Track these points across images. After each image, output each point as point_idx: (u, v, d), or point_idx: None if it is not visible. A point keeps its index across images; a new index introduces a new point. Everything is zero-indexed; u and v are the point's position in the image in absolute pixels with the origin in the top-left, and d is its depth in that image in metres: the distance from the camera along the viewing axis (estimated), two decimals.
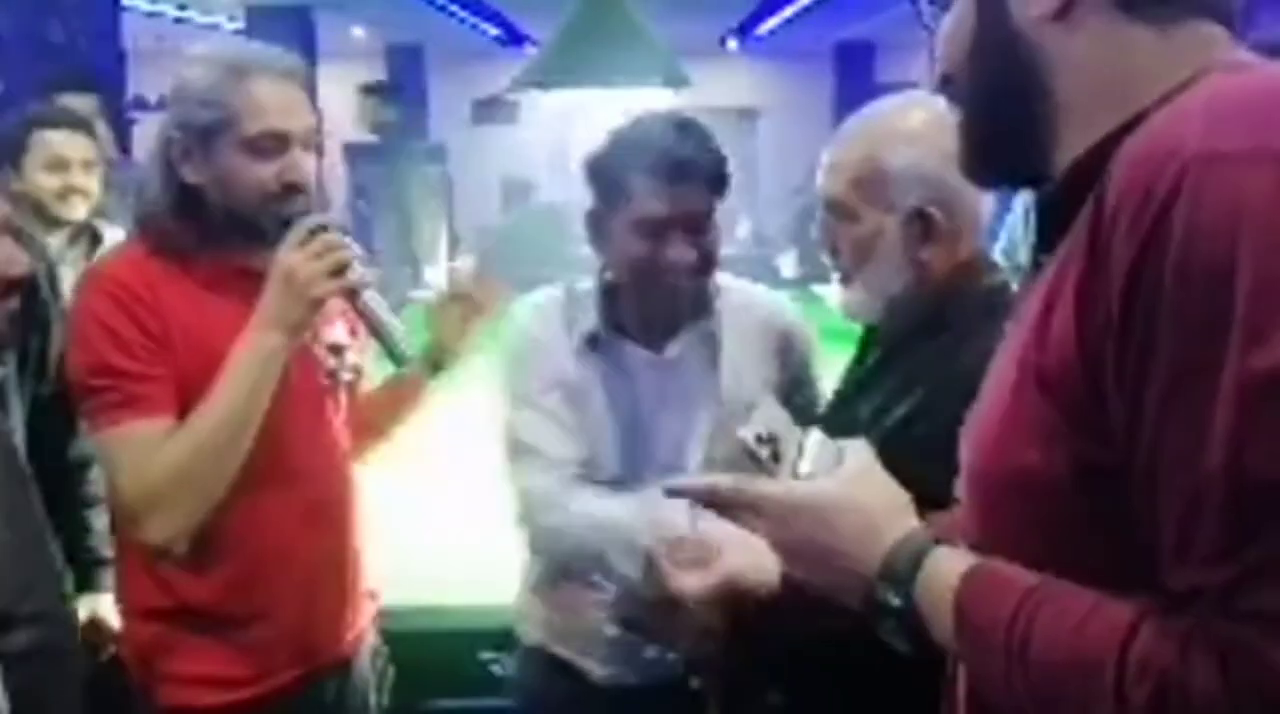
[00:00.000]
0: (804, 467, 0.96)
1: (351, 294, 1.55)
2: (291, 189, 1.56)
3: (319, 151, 1.64)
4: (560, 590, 1.76)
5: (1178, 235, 0.69)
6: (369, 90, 6.20)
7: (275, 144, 1.56)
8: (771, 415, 1.05)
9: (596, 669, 1.73)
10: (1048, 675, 0.76)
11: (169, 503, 1.52)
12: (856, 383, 1.53)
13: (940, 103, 1.36)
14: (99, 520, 2.10)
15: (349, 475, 1.77)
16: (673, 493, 1.01)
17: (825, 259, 1.50)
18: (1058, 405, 0.77)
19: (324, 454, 1.72)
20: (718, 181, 1.63)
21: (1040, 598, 0.77)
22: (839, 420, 1.44)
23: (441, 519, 2.45)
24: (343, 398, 1.77)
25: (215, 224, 1.60)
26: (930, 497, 1.01)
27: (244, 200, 1.57)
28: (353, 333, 1.77)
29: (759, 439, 1.00)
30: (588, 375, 1.70)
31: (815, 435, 1.00)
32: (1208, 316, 0.69)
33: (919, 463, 1.00)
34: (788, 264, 8.95)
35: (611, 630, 1.67)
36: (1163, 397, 0.70)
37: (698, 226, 1.61)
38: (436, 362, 1.82)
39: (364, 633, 1.82)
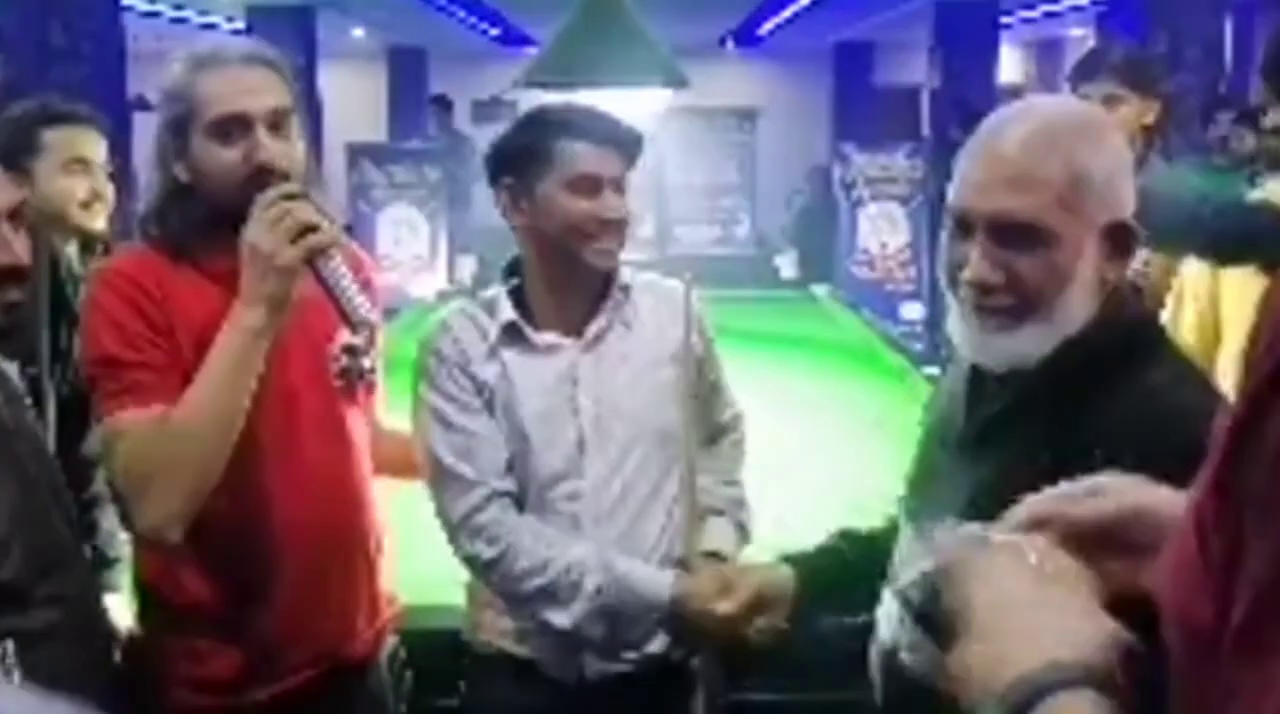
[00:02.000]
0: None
1: (312, 257, 1.53)
2: (263, 171, 1.56)
3: (317, 149, 1.65)
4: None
5: None
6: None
7: (237, 126, 1.57)
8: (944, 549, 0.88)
9: (565, 665, 1.73)
10: None
11: (158, 488, 1.52)
12: (968, 435, 1.29)
13: (1074, 100, 1.31)
14: (106, 520, 2.09)
15: (364, 476, 1.77)
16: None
17: (970, 298, 1.21)
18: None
19: (336, 454, 1.71)
20: (633, 150, 1.73)
21: None
22: (950, 483, 1.27)
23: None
24: (365, 400, 1.77)
25: (210, 219, 1.61)
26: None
27: (220, 187, 1.58)
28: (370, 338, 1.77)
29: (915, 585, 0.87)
30: (512, 372, 1.72)
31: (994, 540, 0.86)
32: None
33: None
34: (787, 265, 8.96)
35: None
36: None
37: (619, 189, 1.71)
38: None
39: (383, 635, 1.82)
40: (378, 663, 1.82)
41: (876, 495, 1.77)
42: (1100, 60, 2.66)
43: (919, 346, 6.12)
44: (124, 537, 1.93)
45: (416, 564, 1.96)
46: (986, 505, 1.13)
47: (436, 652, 1.96)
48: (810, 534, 1.73)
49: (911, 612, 0.88)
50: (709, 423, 1.87)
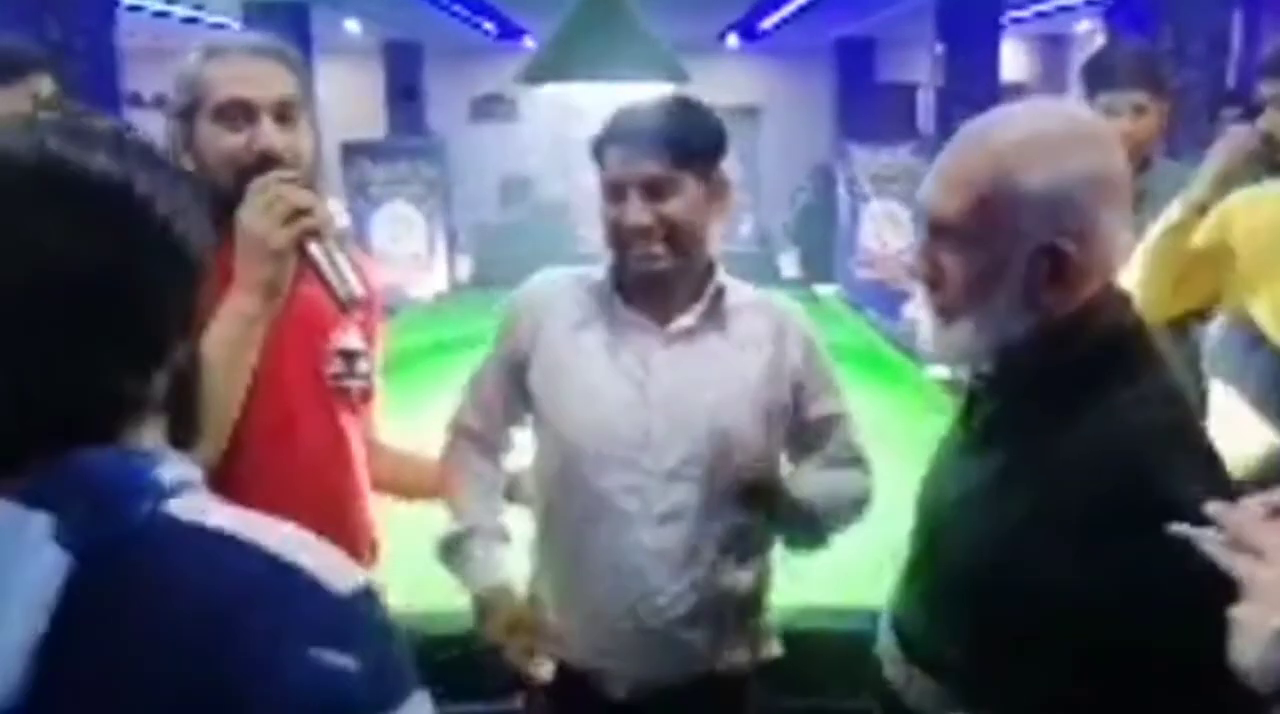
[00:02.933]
0: None
1: (304, 240, 1.52)
2: (265, 159, 1.55)
3: (317, 143, 1.64)
4: (576, 598, 1.73)
5: None
6: None
7: (242, 112, 1.57)
8: None
9: (616, 672, 1.70)
10: None
11: None
12: (959, 450, 1.31)
13: (1075, 111, 1.24)
14: None
15: (359, 479, 1.75)
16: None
17: (914, 288, 1.26)
18: None
19: (331, 455, 1.70)
20: (675, 148, 1.65)
21: None
22: (941, 491, 1.31)
23: (438, 520, 2.42)
24: (362, 405, 1.75)
25: (212, 208, 1.57)
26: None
27: (222, 176, 1.56)
28: (368, 340, 1.75)
29: None
30: (590, 343, 1.71)
31: None
32: None
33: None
34: (789, 263, 8.92)
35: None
36: None
37: (656, 191, 1.64)
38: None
39: None
40: None
41: (880, 496, 1.75)
42: (1117, 64, 2.55)
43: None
44: None
45: (410, 569, 1.91)
46: (981, 501, 1.21)
47: (435, 657, 1.95)
48: None
49: None
50: (809, 452, 1.79)
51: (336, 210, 6.25)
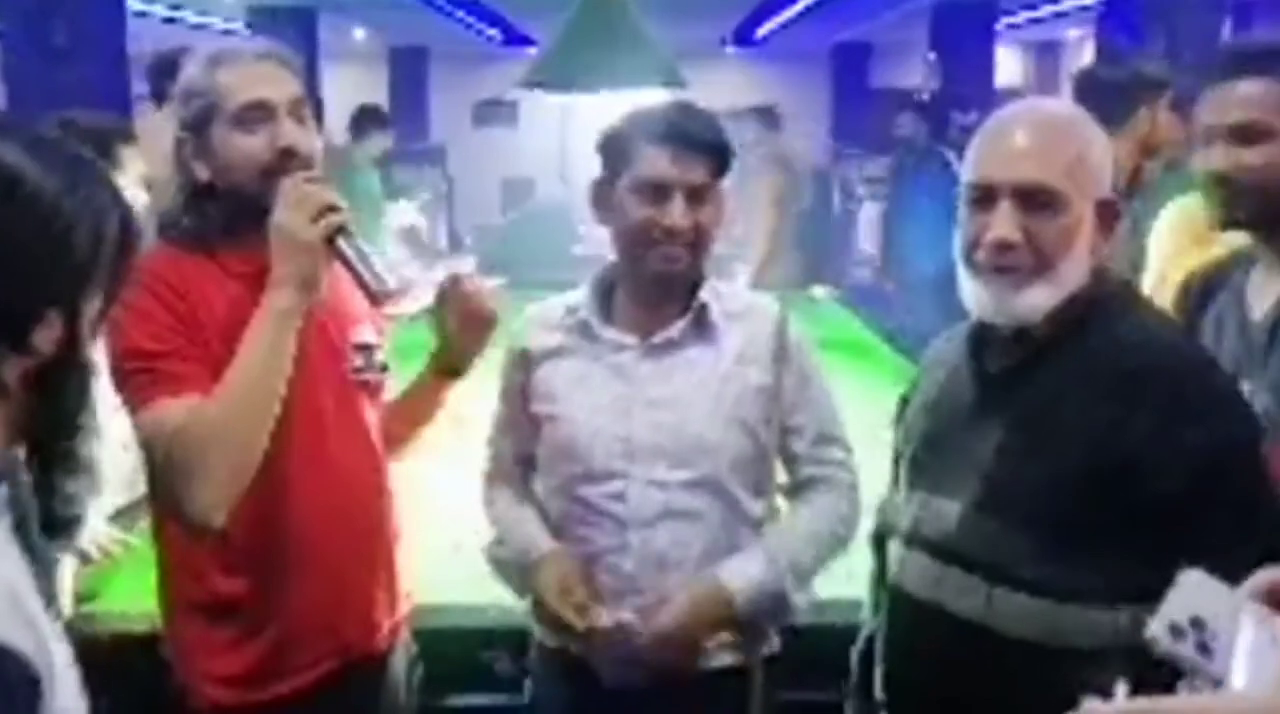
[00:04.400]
0: (1236, 674, 0.80)
1: (333, 236, 1.56)
2: (287, 156, 1.59)
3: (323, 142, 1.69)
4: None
5: None
6: None
7: (261, 114, 1.60)
8: (1193, 595, 0.86)
9: (611, 665, 1.73)
10: None
11: (202, 472, 1.51)
12: (983, 396, 1.49)
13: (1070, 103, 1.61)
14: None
15: (383, 473, 1.78)
16: None
17: (990, 260, 1.41)
18: None
19: (356, 450, 1.73)
20: (718, 158, 1.69)
21: None
22: (965, 438, 1.48)
23: (439, 518, 2.47)
24: (377, 397, 1.79)
25: (232, 216, 1.63)
26: None
27: (245, 177, 1.60)
28: (379, 333, 1.79)
29: (1175, 631, 0.84)
30: (577, 366, 1.75)
31: (1249, 613, 0.84)
32: None
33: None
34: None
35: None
36: None
37: (697, 197, 1.67)
38: (448, 366, 1.82)
39: (399, 631, 1.84)
40: (394, 658, 1.83)
41: (876, 498, 1.75)
42: (1134, 78, 2.69)
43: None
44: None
45: (422, 565, 1.97)
46: (1017, 441, 1.41)
47: (443, 650, 1.99)
48: None
49: (1158, 650, 0.86)
50: (794, 469, 1.79)
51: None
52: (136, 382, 1.57)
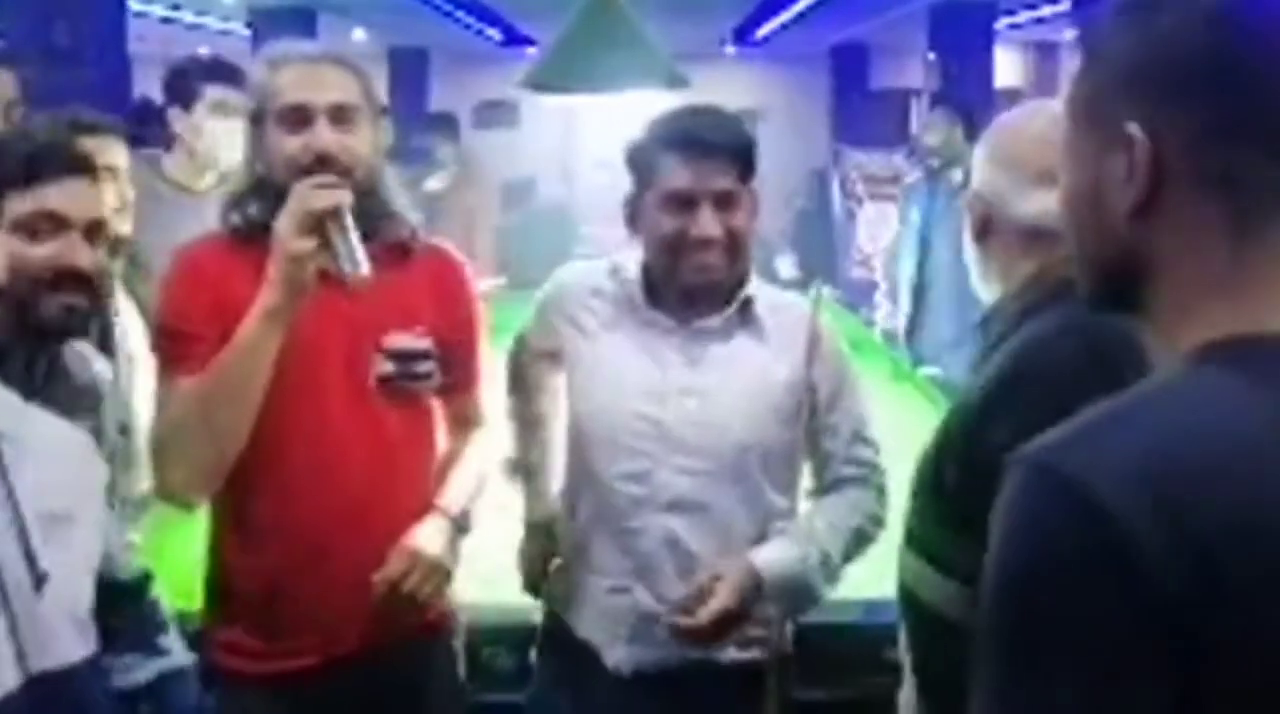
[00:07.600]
0: None
1: (323, 227, 1.58)
2: (321, 161, 1.62)
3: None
4: (585, 577, 1.78)
5: None
6: None
7: (299, 116, 1.64)
8: None
9: (620, 650, 1.74)
10: None
11: (176, 452, 1.63)
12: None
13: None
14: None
15: (399, 482, 1.76)
16: None
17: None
18: None
19: (366, 459, 1.72)
20: (742, 162, 1.69)
21: None
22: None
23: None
24: (415, 405, 1.77)
25: (276, 212, 1.66)
26: None
27: (286, 177, 1.64)
28: (442, 341, 1.78)
29: None
30: (615, 340, 1.75)
31: None
32: None
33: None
34: (785, 266, 8.99)
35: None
36: None
37: (725, 203, 1.67)
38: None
39: (444, 615, 1.85)
40: (439, 640, 1.85)
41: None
42: None
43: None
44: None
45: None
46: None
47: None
48: None
49: None
50: (826, 467, 1.79)
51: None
52: (163, 357, 1.69)
